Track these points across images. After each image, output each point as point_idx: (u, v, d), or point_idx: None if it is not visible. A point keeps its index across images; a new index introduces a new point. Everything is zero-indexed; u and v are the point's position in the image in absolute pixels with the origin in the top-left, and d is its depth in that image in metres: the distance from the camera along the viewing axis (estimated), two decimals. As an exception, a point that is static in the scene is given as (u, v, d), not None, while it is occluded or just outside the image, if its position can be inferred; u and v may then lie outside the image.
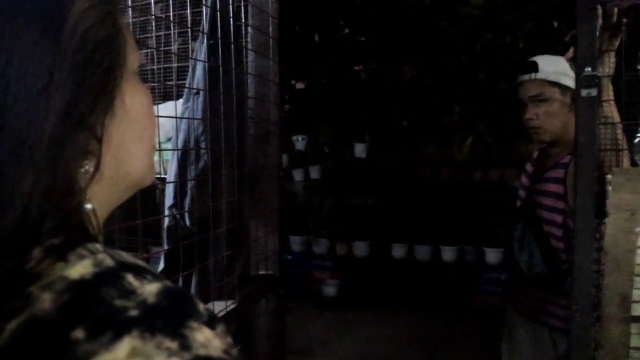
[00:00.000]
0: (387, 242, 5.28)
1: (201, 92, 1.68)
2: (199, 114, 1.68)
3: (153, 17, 1.48)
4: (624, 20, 1.59)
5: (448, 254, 5.12)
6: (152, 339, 0.43)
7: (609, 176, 1.53)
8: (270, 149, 1.98)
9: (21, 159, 0.48)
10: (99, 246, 0.50)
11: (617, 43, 1.69)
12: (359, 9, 5.47)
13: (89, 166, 0.54)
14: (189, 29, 1.81)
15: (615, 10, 1.64)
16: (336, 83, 5.64)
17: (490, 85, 5.04)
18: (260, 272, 1.97)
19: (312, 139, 5.55)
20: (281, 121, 2.05)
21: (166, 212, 1.75)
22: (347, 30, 5.68)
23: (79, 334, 0.43)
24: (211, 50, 1.67)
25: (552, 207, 1.92)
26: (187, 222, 1.71)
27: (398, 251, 5.26)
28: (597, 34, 1.50)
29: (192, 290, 1.67)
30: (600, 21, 1.55)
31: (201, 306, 0.49)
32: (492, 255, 4.90)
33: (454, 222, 5.12)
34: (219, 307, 1.56)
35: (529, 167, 2.15)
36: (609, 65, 1.71)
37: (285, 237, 5.44)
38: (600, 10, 1.54)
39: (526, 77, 2.00)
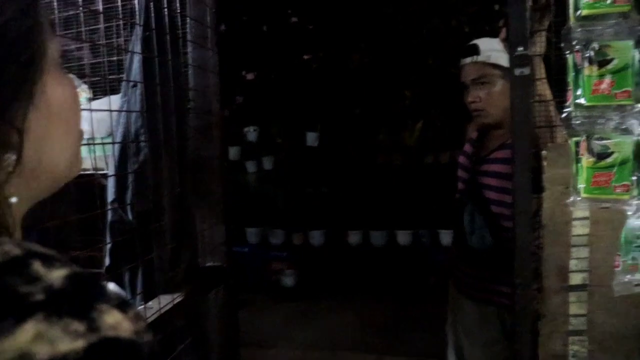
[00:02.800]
0: (343, 229, 5.32)
1: (139, 85, 1.66)
2: (137, 107, 1.66)
3: (80, 9, 1.45)
4: (552, 1, 1.64)
5: (403, 237, 5.19)
6: (59, 322, 0.43)
7: (544, 152, 1.58)
8: (213, 139, 1.96)
9: None
10: (6, 239, 0.50)
11: (547, 23, 1.74)
12: (306, -2, 5.46)
13: (9, 159, 0.53)
14: (122, 21, 1.77)
15: (544, -9, 1.69)
16: (286, 73, 5.62)
17: (439, 69, 5.10)
18: (208, 264, 1.96)
19: (263, 130, 5.53)
20: (224, 111, 2.04)
21: (108, 208, 1.73)
22: (295, 19, 5.66)
23: None
24: (146, 42, 1.64)
25: (500, 187, 1.94)
26: (130, 216, 1.69)
27: (354, 238, 5.31)
28: (528, 14, 1.54)
29: (139, 284, 1.65)
30: (530, 2, 1.59)
31: (110, 290, 0.49)
32: (446, 237, 4.98)
33: (407, 206, 5.19)
34: (166, 300, 1.55)
35: (468, 148, 2.17)
36: (540, 44, 1.76)
37: (240, 230, 5.42)
38: (529, -8, 1.57)
39: (468, 60, 2.03)
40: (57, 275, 0.47)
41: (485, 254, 1.99)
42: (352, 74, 5.42)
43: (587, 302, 1.50)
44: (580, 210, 1.47)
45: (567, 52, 1.28)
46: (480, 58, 2.00)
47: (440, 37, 5.12)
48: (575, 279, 1.51)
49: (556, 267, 1.53)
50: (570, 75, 1.27)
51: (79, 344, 0.43)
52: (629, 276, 1.33)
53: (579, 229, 1.52)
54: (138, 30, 1.70)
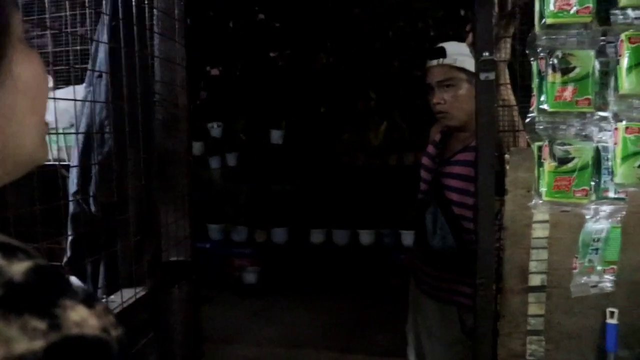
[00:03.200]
0: (306, 227, 5.32)
1: (104, 76, 1.63)
2: (102, 98, 1.63)
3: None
4: (518, 9, 1.68)
5: (365, 237, 5.22)
6: (17, 320, 0.41)
7: (507, 156, 1.61)
8: (179, 133, 1.94)
9: None
10: None
11: (512, 30, 1.78)
12: (274, -5, 5.44)
13: None
14: (88, 10, 1.74)
15: (510, -1, 1.73)
16: (252, 69, 5.59)
17: (404, 71, 5.15)
18: (172, 259, 1.94)
19: (228, 126, 5.49)
20: (190, 105, 2.02)
21: (70, 199, 1.69)
22: (262, 16, 5.64)
23: None
24: (113, 32, 1.62)
25: (462, 189, 1.97)
26: (93, 208, 1.66)
27: (316, 236, 5.32)
28: (494, 21, 1.57)
29: (101, 277, 1.63)
30: (496, 9, 1.62)
31: (77, 285, 0.47)
32: (408, 237, 5.03)
33: (370, 206, 5.22)
34: (128, 294, 1.53)
35: (431, 150, 2.20)
36: (505, 50, 1.79)
37: (203, 226, 5.37)
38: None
39: (434, 62, 2.05)
40: (18, 268, 0.44)
41: (446, 255, 2.02)
42: (318, 73, 5.43)
43: (546, 303, 1.53)
44: (541, 213, 1.50)
45: (532, 59, 1.31)
46: (446, 61, 2.02)
47: (406, 39, 5.18)
48: (535, 280, 1.55)
49: (516, 269, 1.56)
50: (535, 82, 1.30)
51: (38, 344, 0.40)
52: (585, 278, 1.37)
53: (539, 231, 1.55)
54: (105, 20, 1.67)
